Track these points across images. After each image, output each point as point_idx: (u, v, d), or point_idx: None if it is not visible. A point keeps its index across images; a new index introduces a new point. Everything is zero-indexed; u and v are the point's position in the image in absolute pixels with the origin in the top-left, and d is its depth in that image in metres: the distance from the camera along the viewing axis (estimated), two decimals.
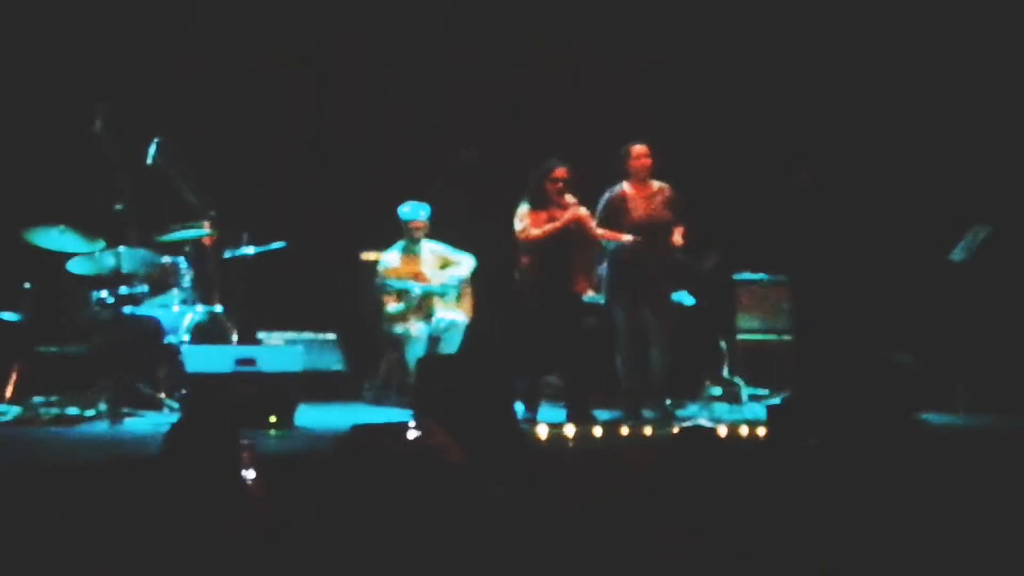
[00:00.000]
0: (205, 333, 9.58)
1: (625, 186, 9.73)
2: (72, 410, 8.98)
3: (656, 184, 9.81)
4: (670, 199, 9.77)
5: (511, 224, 9.69)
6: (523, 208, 9.69)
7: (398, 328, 10.23)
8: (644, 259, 9.62)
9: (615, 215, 9.71)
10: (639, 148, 9.74)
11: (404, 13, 12.17)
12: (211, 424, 4.27)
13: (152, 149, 9.48)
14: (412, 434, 3.11)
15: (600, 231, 9.71)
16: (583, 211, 9.63)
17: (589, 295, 10.09)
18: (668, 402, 9.77)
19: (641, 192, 9.75)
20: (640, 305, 9.71)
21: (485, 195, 10.83)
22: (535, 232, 9.57)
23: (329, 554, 3.09)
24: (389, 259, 10.39)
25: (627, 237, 9.59)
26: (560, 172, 9.63)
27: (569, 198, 9.60)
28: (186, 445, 4.13)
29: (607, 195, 9.80)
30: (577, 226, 9.60)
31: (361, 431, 3.20)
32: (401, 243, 10.44)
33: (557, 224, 9.55)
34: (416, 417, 3.47)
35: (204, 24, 11.50)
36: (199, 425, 4.29)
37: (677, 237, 9.65)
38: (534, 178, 9.69)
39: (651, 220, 9.66)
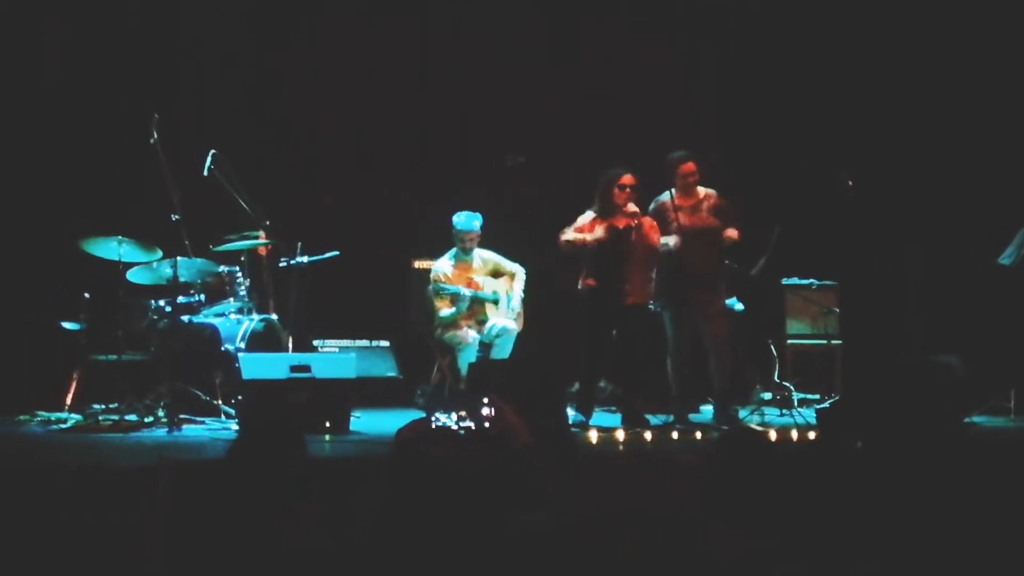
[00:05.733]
0: (261, 341, 9.68)
1: (671, 195, 9.77)
2: (130, 417, 9.09)
3: (703, 191, 9.83)
4: (716, 205, 9.80)
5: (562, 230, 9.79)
6: (586, 215, 9.75)
7: (450, 334, 10.30)
8: (692, 264, 9.64)
9: (661, 224, 9.74)
10: (687, 167, 9.74)
11: (451, 21, 12.25)
12: (278, 433, 4.35)
13: (208, 160, 9.61)
14: (486, 411, 3.18)
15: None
16: (646, 220, 9.69)
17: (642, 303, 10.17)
18: (726, 407, 9.79)
19: (687, 201, 9.78)
20: (691, 310, 9.74)
21: (532, 202, 10.89)
22: (563, 239, 9.68)
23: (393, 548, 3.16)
24: (441, 266, 10.46)
25: (672, 239, 9.62)
26: (627, 179, 9.69)
27: (631, 206, 9.66)
28: (254, 453, 4.21)
29: (653, 204, 9.85)
30: (637, 234, 9.66)
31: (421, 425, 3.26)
32: (453, 251, 10.50)
33: (586, 238, 9.62)
34: (491, 400, 3.52)
35: (258, 34, 11.63)
36: (266, 434, 4.37)
37: (731, 232, 9.67)
38: (601, 185, 9.75)
39: (696, 227, 9.69)
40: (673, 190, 9.75)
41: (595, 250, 9.68)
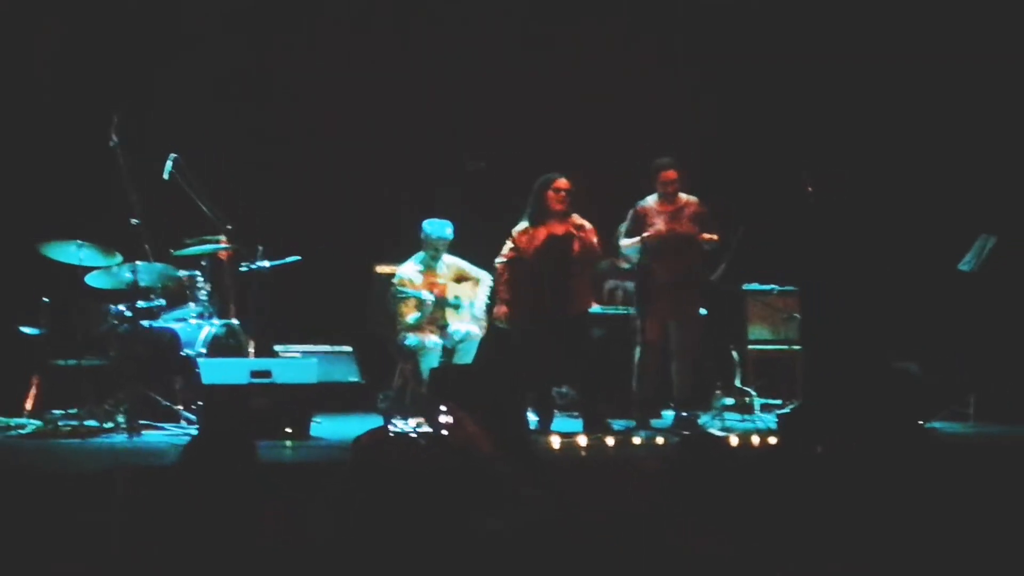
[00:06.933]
0: (221, 346, 9.64)
1: (651, 200, 9.78)
2: (90, 422, 9.04)
3: (684, 198, 9.83)
4: (696, 213, 9.80)
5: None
6: (520, 226, 9.71)
7: (413, 340, 10.27)
8: (668, 270, 9.65)
9: (639, 228, 9.74)
10: (667, 174, 9.73)
11: (418, 26, 12.22)
12: (229, 438, 4.32)
13: (168, 164, 9.56)
14: (444, 420, 3.17)
15: (624, 241, 9.79)
16: (588, 226, 9.68)
17: (593, 307, 10.19)
18: (685, 413, 9.80)
19: (666, 207, 9.78)
20: (664, 315, 9.74)
21: (495, 206, 10.87)
22: (501, 265, 9.69)
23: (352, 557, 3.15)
24: (407, 271, 10.41)
25: (645, 234, 9.59)
26: (562, 183, 9.65)
27: (576, 218, 9.65)
28: (204, 458, 4.18)
29: (633, 208, 9.83)
30: (581, 243, 9.63)
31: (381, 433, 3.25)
32: (420, 255, 10.45)
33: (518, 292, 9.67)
34: (449, 408, 3.50)
35: (218, 38, 11.56)
36: (218, 439, 4.34)
37: (707, 235, 9.68)
38: (534, 190, 9.71)
39: (673, 234, 9.70)
40: (653, 196, 9.76)
41: (532, 260, 9.63)
